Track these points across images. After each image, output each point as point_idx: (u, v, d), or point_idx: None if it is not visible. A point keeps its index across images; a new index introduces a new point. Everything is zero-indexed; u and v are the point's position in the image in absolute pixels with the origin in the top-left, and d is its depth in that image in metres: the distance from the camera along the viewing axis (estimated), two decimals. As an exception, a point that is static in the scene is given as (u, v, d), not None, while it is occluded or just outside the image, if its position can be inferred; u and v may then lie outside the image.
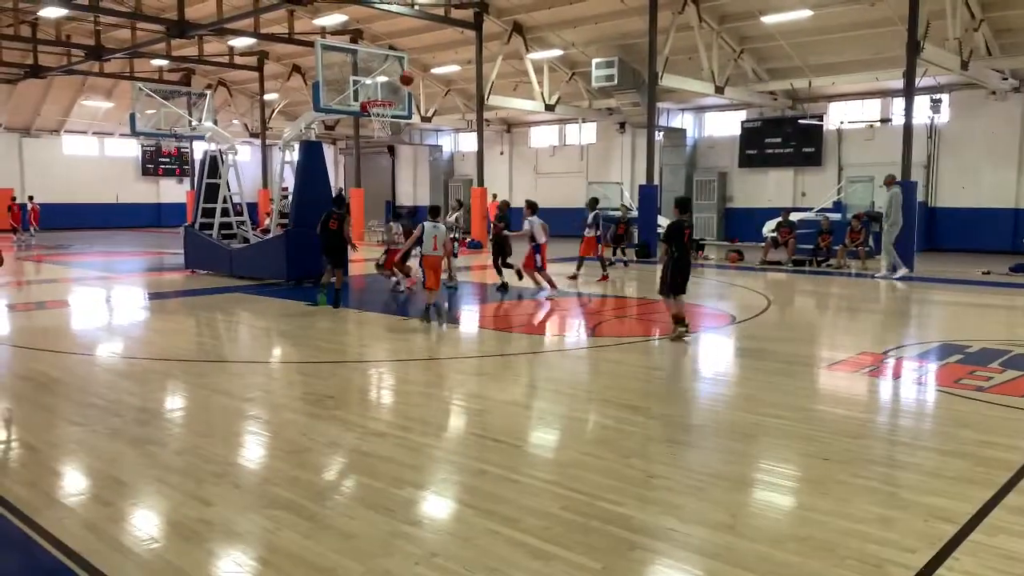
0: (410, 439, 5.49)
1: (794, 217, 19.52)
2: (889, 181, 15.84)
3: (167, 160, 39.17)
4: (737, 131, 26.78)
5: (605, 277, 15.26)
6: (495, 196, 29.59)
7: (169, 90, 20.41)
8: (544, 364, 8.26)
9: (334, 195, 14.64)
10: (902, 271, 15.55)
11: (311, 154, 14.94)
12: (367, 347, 9.45)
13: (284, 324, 10.71)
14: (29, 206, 28.77)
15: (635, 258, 19.76)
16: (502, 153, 33.67)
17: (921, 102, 20.09)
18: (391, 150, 38.14)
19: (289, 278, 14.25)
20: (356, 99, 14.14)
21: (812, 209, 21.22)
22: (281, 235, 14.71)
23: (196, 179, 21.78)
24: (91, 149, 37.44)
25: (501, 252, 14.01)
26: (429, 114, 30.26)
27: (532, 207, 13.32)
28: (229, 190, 16.97)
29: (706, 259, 20.21)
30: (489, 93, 24.76)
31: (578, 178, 30.58)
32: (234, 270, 15.63)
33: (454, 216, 14.28)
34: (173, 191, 39.01)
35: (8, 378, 7.54)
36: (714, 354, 8.98)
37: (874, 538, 3.82)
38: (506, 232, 14.14)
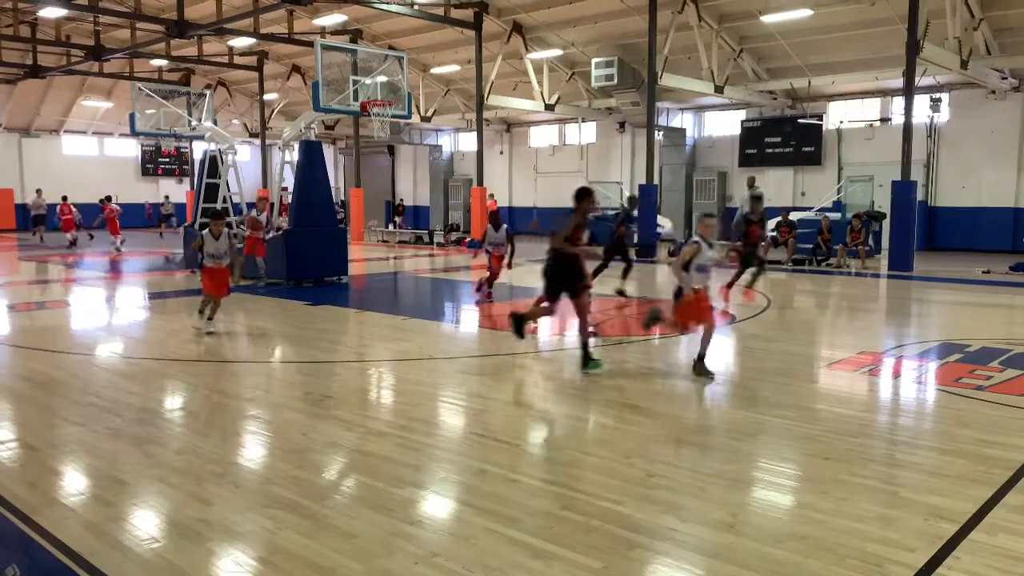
0: (410, 439, 5.48)
1: (793, 216, 19.53)
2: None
3: (167, 160, 39.14)
4: (737, 130, 26.76)
5: None
6: (491, 196, 29.61)
7: (169, 90, 20.46)
8: (544, 363, 8.27)
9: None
10: None
11: (311, 154, 14.95)
12: (367, 347, 9.45)
13: (284, 324, 10.74)
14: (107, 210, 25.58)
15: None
16: (502, 153, 33.65)
17: (921, 101, 20.07)
18: (391, 150, 38.12)
19: (289, 278, 14.25)
20: (356, 99, 14.17)
21: (812, 209, 21.22)
22: (281, 235, 14.71)
23: (196, 179, 21.78)
24: (91, 149, 37.40)
25: (621, 252, 12.83)
26: (429, 114, 30.25)
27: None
28: (229, 190, 16.99)
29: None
30: (489, 93, 24.76)
31: (578, 178, 30.51)
32: (234, 270, 15.62)
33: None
34: (173, 191, 38.98)
35: (8, 378, 7.54)
36: (714, 353, 8.95)
37: (874, 537, 3.82)
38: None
